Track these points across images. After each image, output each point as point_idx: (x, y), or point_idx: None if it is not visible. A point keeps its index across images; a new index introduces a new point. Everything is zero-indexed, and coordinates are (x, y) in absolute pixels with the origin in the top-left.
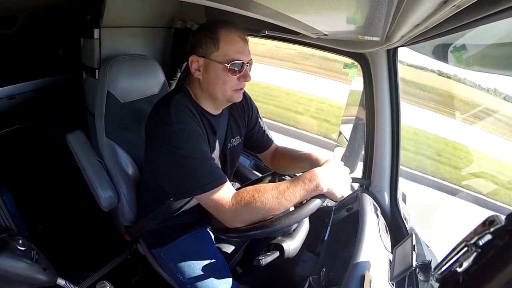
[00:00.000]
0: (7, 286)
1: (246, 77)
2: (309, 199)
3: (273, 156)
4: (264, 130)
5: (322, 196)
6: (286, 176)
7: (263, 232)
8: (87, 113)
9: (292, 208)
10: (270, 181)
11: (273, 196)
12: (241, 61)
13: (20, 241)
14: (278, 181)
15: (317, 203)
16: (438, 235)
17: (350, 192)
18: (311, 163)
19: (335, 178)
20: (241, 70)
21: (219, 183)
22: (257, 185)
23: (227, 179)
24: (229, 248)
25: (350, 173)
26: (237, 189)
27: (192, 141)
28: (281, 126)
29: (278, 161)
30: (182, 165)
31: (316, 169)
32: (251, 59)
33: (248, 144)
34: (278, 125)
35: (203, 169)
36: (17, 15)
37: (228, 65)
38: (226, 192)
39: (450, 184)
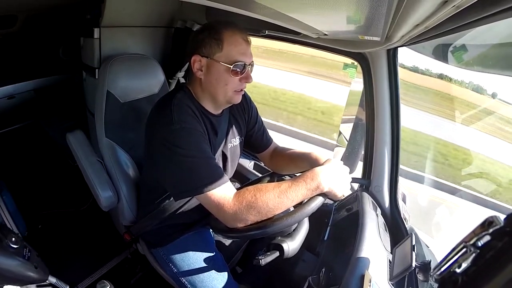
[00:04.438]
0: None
1: (247, 78)
2: (310, 199)
3: (272, 156)
4: (264, 130)
5: (323, 195)
6: (286, 176)
7: (263, 232)
8: (87, 112)
9: (292, 208)
10: (269, 182)
11: (275, 195)
12: (243, 63)
13: (13, 239)
14: (278, 181)
15: (318, 201)
16: None
17: (350, 191)
18: (310, 162)
19: (336, 178)
20: (243, 71)
21: (221, 183)
22: (258, 185)
23: (228, 179)
24: (229, 248)
25: (350, 173)
26: (237, 189)
27: (194, 141)
28: None
29: (277, 161)
30: (183, 164)
31: (317, 168)
32: (252, 61)
33: (247, 144)
34: None
35: (204, 169)
36: (17, 15)
37: (231, 66)
38: (227, 192)
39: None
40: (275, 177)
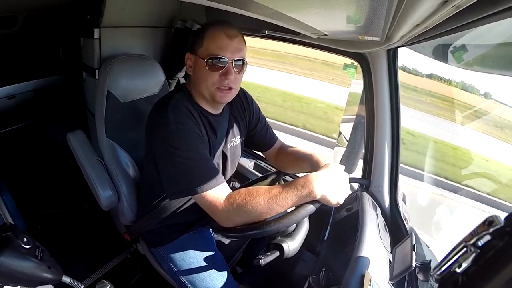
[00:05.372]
0: (12, 284)
1: (226, 74)
2: (302, 205)
3: (277, 154)
4: (267, 129)
5: (316, 202)
6: (286, 177)
7: (259, 233)
8: (87, 113)
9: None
10: (274, 180)
11: (264, 200)
12: (221, 57)
13: (25, 239)
14: (284, 181)
15: (308, 210)
16: None
17: (347, 196)
18: (311, 164)
19: (331, 184)
20: (222, 67)
21: (215, 184)
22: (250, 188)
23: (224, 180)
24: (229, 248)
25: (350, 173)
26: (237, 189)
27: (190, 142)
28: None
29: (282, 159)
30: (179, 165)
31: (311, 175)
32: (241, 58)
33: (251, 143)
34: None
35: (200, 170)
36: (17, 15)
37: (206, 60)
38: (221, 193)
39: None
40: (281, 175)
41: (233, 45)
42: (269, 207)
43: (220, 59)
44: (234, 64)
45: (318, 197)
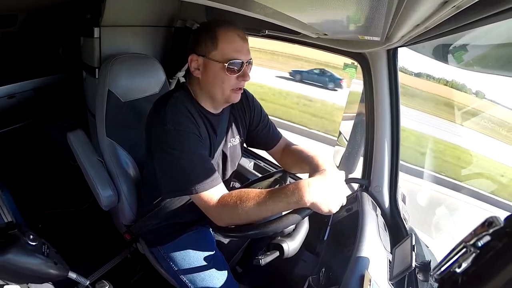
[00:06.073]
0: (20, 281)
1: (245, 76)
2: (292, 211)
3: (282, 153)
4: (270, 128)
5: (307, 209)
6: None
7: (258, 233)
8: (87, 112)
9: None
10: (280, 178)
11: (254, 205)
12: (239, 60)
13: (31, 236)
14: (289, 180)
15: (294, 218)
16: None
17: (342, 205)
18: (311, 167)
19: (323, 192)
20: (239, 69)
21: (210, 186)
22: (242, 191)
23: (220, 181)
24: (229, 248)
25: (350, 173)
26: (237, 189)
27: (187, 143)
28: None
29: (285, 159)
30: (175, 165)
31: (303, 182)
32: (250, 59)
33: (254, 142)
34: None
35: (196, 171)
36: (17, 14)
37: (226, 64)
38: (216, 193)
39: None
40: (287, 175)
41: (245, 46)
42: (259, 212)
43: (238, 62)
44: (248, 65)
45: (307, 204)
